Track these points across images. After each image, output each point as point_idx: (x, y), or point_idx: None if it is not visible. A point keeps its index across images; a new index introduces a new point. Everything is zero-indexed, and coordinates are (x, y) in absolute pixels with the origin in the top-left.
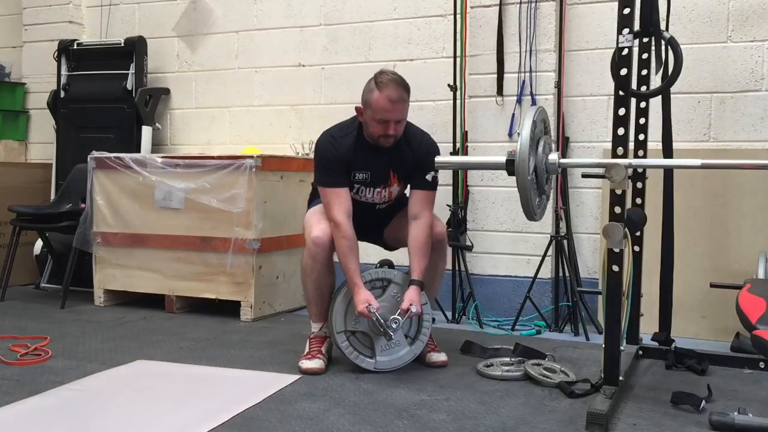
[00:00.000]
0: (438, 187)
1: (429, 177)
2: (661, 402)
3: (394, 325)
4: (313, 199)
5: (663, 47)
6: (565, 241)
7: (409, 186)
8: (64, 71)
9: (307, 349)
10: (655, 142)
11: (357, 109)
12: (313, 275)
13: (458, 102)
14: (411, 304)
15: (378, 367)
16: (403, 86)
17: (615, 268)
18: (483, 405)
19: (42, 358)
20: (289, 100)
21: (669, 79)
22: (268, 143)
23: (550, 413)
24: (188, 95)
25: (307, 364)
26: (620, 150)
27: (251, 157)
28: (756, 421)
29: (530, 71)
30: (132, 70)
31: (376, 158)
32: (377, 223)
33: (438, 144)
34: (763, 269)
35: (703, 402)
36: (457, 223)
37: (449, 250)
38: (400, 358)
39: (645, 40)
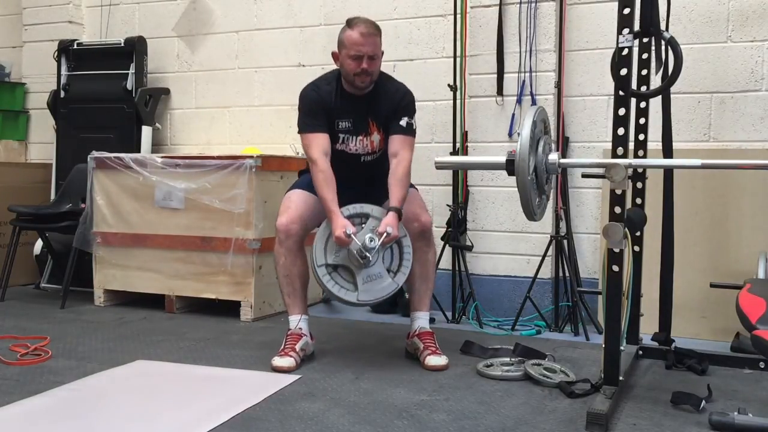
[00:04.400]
0: (416, 134)
1: (403, 122)
2: (661, 402)
3: (370, 243)
4: (292, 188)
5: (663, 47)
6: (565, 241)
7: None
8: (64, 71)
9: (281, 346)
10: (655, 142)
11: (333, 54)
12: (280, 261)
13: (458, 102)
14: (388, 227)
15: (360, 298)
16: (373, 24)
17: (615, 268)
18: (483, 405)
19: (42, 358)
20: (289, 100)
21: (669, 79)
22: (268, 143)
23: (550, 413)
24: (188, 95)
25: (278, 361)
26: (620, 150)
27: (251, 157)
28: (756, 421)
29: (530, 71)
30: (132, 70)
31: (356, 106)
32: (365, 180)
33: (438, 144)
34: (763, 269)
35: (703, 402)
36: (457, 223)
37: (449, 250)
38: (382, 289)
39: (645, 40)
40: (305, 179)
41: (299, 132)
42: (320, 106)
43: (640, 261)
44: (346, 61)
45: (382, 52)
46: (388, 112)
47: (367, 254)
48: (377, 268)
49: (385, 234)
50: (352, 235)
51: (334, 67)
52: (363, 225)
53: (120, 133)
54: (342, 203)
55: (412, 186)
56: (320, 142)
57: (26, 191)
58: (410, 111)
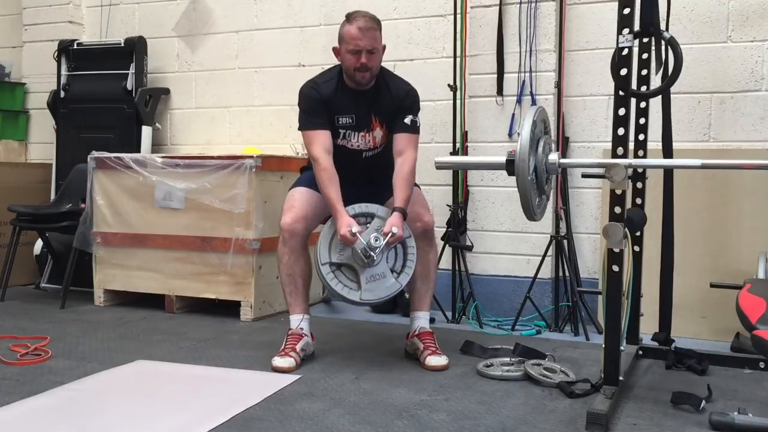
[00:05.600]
0: (419, 132)
1: (408, 120)
2: (661, 402)
3: (375, 243)
4: (295, 185)
5: (663, 47)
6: (565, 241)
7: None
8: (64, 71)
9: (282, 346)
10: (655, 142)
11: (334, 49)
12: (283, 260)
13: (458, 102)
14: (393, 227)
15: (363, 298)
16: (372, 18)
17: (615, 268)
18: (483, 405)
19: (42, 358)
20: (289, 100)
21: (669, 79)
22: (268, 143)
23: (550, 413)
24: (188, 95)
25: (278, 361)
26: (620, 150)
27: (251, 157)
28: (756, 421)
29: (530, 71)
30: (132, 70)
31: (357, 102)
32: (367, 175)
33: (438, 144)
34: (763, 269)
35: (703, 402)
36: (457, 223)
37: (449, 250)
38: (386, 288)
39: (645, 40)
40: (308, 176)
41: (300, 129)
42: (319, 103)
43: (640, 261)
44: (346, 56)
45: (384, 46)
46: (392, 109)
47: (372, 253)
48: (381, 268)
49: (390, 234)
50: (357, 234)
51: (336, 62)
52: (368, 224)
53: (120, 133)
54: (345, 198)
55: (415, 185)
56: (322, 139)
57: (26, 191)
58: (415, 109)
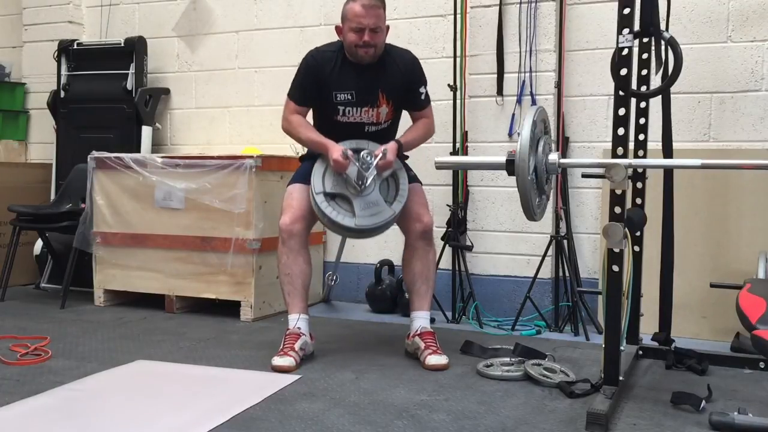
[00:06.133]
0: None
1: (422, 92)
2: (661, 402)
3: (367, 158)
4: (293, 180)
5: (663, 47)
6: (565, 241)
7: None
8: (64, 71)
9: (281, 346)
10: (655, 142)
11: (336, 28)
12: (282, 259)
13: (458, 102)
14: (384, 149)
15: (359, 224)
16: None
17: (615, 268)
18: (483, 405)
19: (42, 358)
20: None
21: (669, 79)
22: (268, 143)
23: (550, 413)
24: (188, 95)
25: (277, 361)
26: (620, 150)
27: (251, 157)
28: (756, 421)
29: (530, 71)
30: (132, 70)
31: (362, 78)
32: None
33: (438, 144)
34: (763, 269)
35: (703, 402)
36: (457, 223)
37: (449, 250)
38: (380, 214)
39: (645, 40)
40: (305, 168)
41: (287, 94)
42: (314, 78)
43: (640, 261)
44: (349, 33)
45: (388, 27)
46: (402, 82)
47: (365, 174)
48: (374, 196)
49: (380, 156)
50: (351, 158)
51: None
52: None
53: (120, 133)
54: None
55: (418, 182)
56: (299, 111)
57: (26, 191)
58: (423, 78)
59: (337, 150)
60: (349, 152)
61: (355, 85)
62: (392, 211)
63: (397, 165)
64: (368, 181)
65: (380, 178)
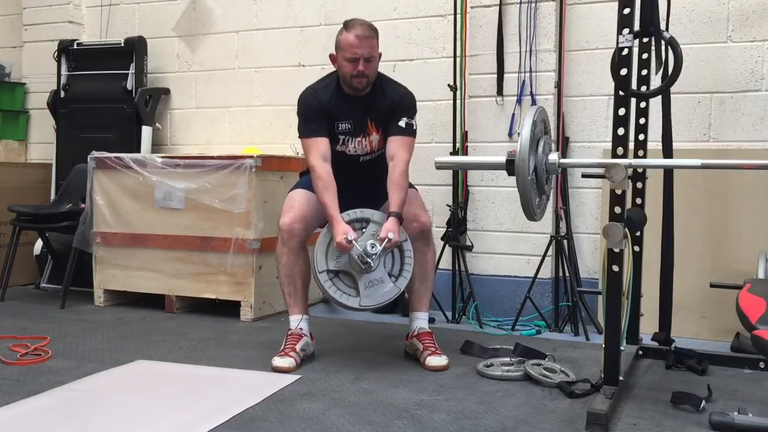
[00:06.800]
0: (416, 135)
1: (402, 123)
2: (661, 402)
3: (371, 249)
4: (295, 188)
5: (663, 47)
6: (565, 241)
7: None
8: (64, 71)
9: (282, 346)
10: (655, 142)
11: (331, 56)
12: (282, 260)
13: (458, 102)
14: (389, 233)
15: (363, 304)
16: (369, 26)
17: (615, 268)
18: (483, 405)
19: (42, 358)
20: (289, 100)
21: (669, 79)
22: (268, 143)
23: (550, 413)
24: (188, 95)
25: (278, 361)
26: (620, 150)
27: (251, 157)
28: (756, 421)
29: (530, 71)
30: (132, 70)
31: (354, 107)
32: (365, 179)
33: (438, 144)
34: (763, 269)
35: (703, 402)
36: (457, 223)
37: (449, 250)
38: (384, 294)
39: (645, 40)
40: (307, 179)
41: (299, 137)
42: (319, 111)
43: (640, 261)
44: (343, 63)
45: (380, 54)
46: (387, 113)
47: (369, 260)
48: (379, 273)
49: (386, 240)
50: (354, 241)
51: (333, 68)
52: (364, 230)
53: (120, 133)
54: (343, 203)
55: (412, 186)
56: (319, 146)
57: (26, 191)
58: (410, 112)
59: (340, 232)
60: (353, 235)
61: (352, 115)
62: (397, 289)
63: (401, 236)
64: (372, 268)
65: (385, 254)
